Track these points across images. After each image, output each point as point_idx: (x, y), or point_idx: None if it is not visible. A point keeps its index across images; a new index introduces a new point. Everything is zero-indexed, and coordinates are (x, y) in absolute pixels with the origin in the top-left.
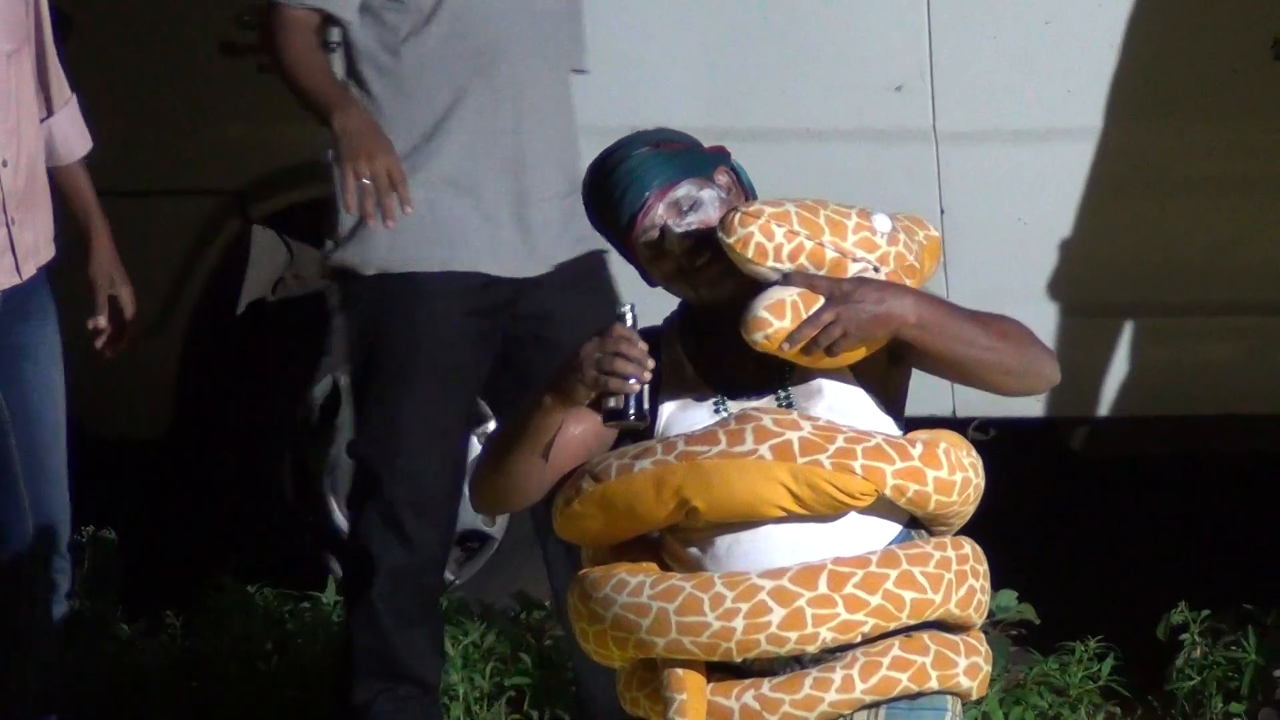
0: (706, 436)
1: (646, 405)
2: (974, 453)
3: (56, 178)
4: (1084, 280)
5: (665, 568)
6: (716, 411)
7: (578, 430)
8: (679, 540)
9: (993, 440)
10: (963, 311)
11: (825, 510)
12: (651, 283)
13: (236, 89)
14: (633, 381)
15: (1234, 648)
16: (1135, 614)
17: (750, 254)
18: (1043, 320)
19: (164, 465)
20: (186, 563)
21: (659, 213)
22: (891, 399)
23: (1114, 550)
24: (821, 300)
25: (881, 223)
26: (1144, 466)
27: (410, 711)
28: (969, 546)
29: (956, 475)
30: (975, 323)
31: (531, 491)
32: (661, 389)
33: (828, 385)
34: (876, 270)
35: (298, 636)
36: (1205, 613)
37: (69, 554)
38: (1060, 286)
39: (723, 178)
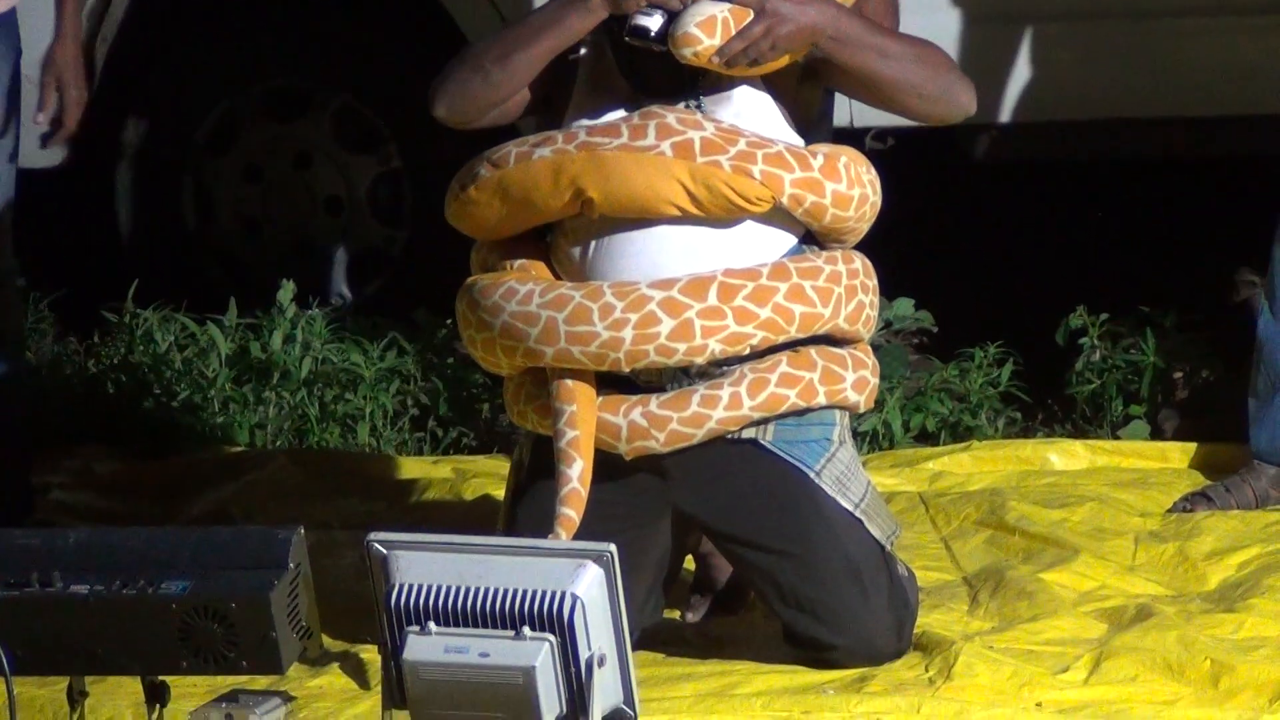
0: (609, 129)
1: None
2: (873, 170)
3: None
4: None
5: (556, 275)
6: (629, 107)
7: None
8: (570, 239)
9: (890, 149)
10: (882, 30)
11: (720, 213)
12: None
13: None
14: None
15: (1133, 350)
16: (1034, 319)
17: None
18: (945, 28)
19: (64, 193)
20: (88, 289)
21: None
22: (802, 116)
23: (1012, 256)
24: (750, 15)
25: None
26: (1042, 171)
27: None
28: (859, 261)
29: (855, 190)
30: (893, 40)
31: (511, 102)
32: (578, 76)
33: (738, 93)
34: None
35: (201, 358)
36: (1104, 316)
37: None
38: None
39: None
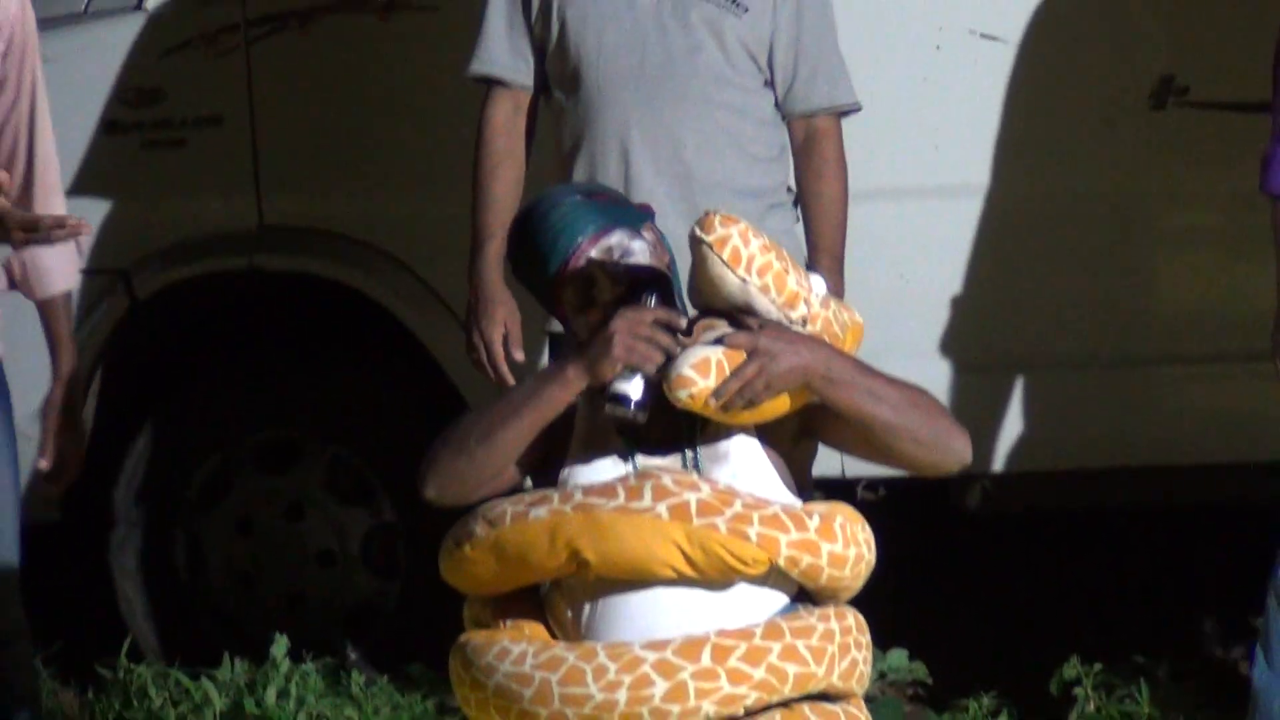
0: (605, 490)
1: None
2: (868, 528)
3: (39, 305)
4: (969, 336)
5: (549, 629)
6: (624, 463)
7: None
8: (565, 598)
9: (881, 499)
10: (874, 373)
11: (716, 575)
12: (573, 335)
13: (120, 167)
14: (650, 369)
15: (1127, 700)
16: (1028, 669)
17: (725, 255)
18: (932, 378)
19: (57, 548)
20: (82, 646)
21: (591, 258)
22: (797, 472)
23: (1005, 604)
24: (743, 356)
25: (818, 283)
26: (1032, 520)
27: None
28: (852, 617)
29: (850, 550)
30: (885, 384)
31: (503, 477)
32: (574, 432)
33: (734, 450)
34: (804, 325)
35: (195, 715)
36: (1098, 666)
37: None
38: (947, 343)
39: (649, 234)
